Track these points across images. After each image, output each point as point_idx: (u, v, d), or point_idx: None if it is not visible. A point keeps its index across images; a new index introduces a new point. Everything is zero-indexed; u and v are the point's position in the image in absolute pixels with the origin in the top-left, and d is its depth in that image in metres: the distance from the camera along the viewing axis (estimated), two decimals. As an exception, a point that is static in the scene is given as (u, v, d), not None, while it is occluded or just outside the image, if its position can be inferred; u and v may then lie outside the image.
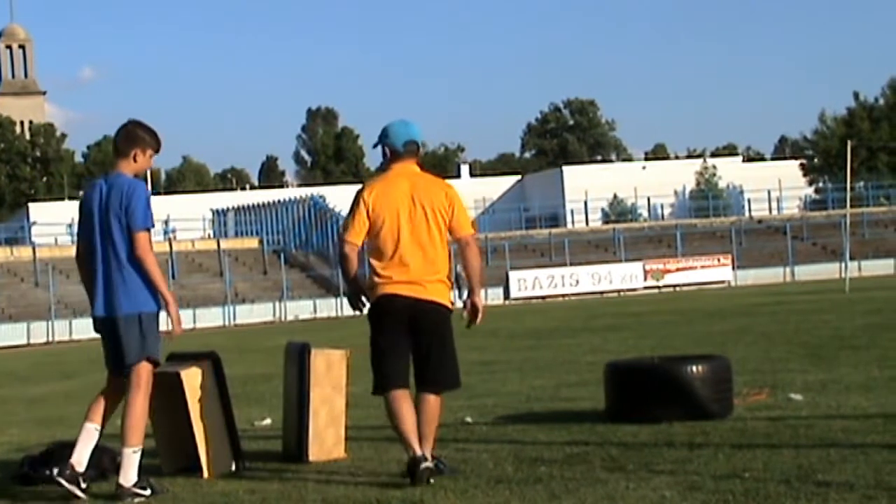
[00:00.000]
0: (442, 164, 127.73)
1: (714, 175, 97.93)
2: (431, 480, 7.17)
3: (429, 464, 7.23)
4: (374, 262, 7.56)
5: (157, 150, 8.00)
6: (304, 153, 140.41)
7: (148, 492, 7.53)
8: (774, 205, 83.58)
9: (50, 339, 51.39)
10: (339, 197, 77.68)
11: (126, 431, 7.59)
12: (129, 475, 7.55)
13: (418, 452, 7.25)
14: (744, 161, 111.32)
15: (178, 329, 7.83)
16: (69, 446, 8.74)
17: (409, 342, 7.50)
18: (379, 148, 7.72)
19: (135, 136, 7.91)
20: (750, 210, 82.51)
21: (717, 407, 9.35)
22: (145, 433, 7.67)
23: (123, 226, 7.69)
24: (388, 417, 7.49)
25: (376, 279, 7.53)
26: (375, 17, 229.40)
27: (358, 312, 7.84)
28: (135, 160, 7.89)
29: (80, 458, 7.68)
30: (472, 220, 7.93)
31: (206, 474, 8.14)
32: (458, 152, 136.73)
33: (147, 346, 7.72)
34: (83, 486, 7.62)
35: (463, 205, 7.74)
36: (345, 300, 46.99)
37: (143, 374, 7.71)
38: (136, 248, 7.73)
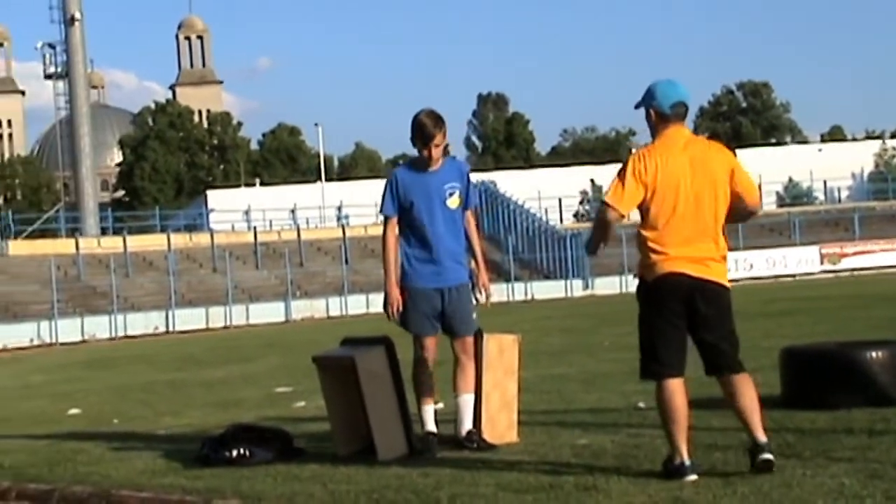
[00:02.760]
0: (613, 148, 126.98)
1: (894, 157, 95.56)
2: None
3: (693, 476, 6.69)
4: (651, 237, 6.89)
5: (419, 141, 8.48)
6: (474, 139, 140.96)
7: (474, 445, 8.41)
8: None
9: (227, 323, 52.48)
10: (509, 182, 77.85)
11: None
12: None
13: (686, 460, 6.76)
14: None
15: (392, 312, 8.53)
16: (247, 429, 8.95)
17: (686, 325, 6.89)
18: (642, 110, 7.08)
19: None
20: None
21: (898, 393, 9.13)
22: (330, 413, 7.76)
23: None
24: (658, 408, 6.99)
25: (654, 256, 6.86)
26: (546, 3, 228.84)
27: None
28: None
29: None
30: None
31: (379, 457, 8.21)
32: (629, 136, 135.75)
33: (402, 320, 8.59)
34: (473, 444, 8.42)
35: (744, 169, 7.06)
36: (517, 285, 45.88)
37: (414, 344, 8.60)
38: None
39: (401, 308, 8.49)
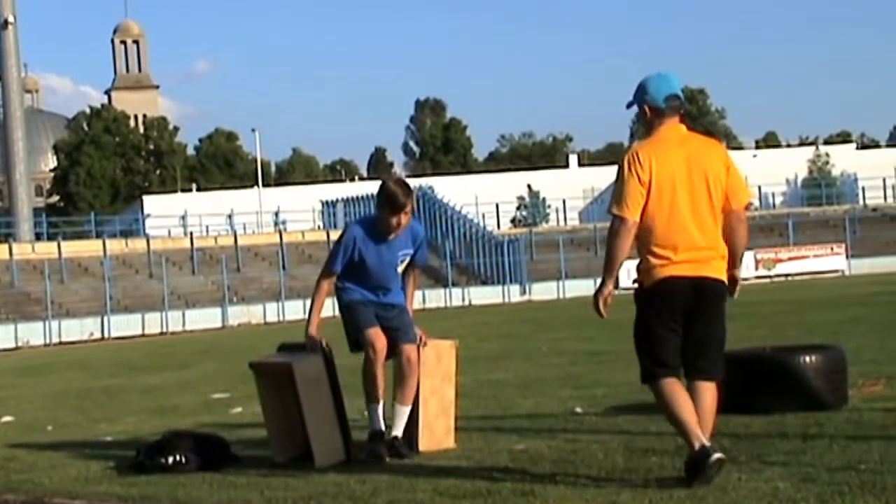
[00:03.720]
0: (550, 154, 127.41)
1: (827, 163, 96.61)
2: (717, 476, 6.50)
3: (720, 455, 6.48)
4: (649, 240, 6.63)
5: (388, 209, 8.45)
6: (412, 144, 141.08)
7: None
8: (889, 192, 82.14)
9: (164, 329, 52.12)
10: (447, 188, 78.01)
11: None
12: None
13: (706, 443, 6.50)
14: (858, 148, 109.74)
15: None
16: (183, 435, 8.89)
17: (682, 328, 6.70)
18: (634, 108, 6.89)
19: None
20: (864, 198, 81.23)
21: (832, 398, 9.21)
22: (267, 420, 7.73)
23: None
24: (664, 405, 6.70)
25: (654, 260, 6.63)
26: (482, 8, 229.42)
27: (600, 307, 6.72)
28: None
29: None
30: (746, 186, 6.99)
31: (316, 464, 8.19)
32: (567, 142, 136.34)
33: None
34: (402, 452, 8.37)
35: (737, 169, 6.85)
36: (454, 291, 45.59)
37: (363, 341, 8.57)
38: None
39: (315, 347, 8.48)
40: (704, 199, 6.66)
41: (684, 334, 6.74)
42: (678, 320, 6.68)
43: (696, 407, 6.73)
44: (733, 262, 6.85)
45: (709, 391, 6.79)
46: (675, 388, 6.65)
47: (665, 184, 6.61)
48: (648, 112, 6.80)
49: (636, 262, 6.81)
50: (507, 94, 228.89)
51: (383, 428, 8.50)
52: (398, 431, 8.50)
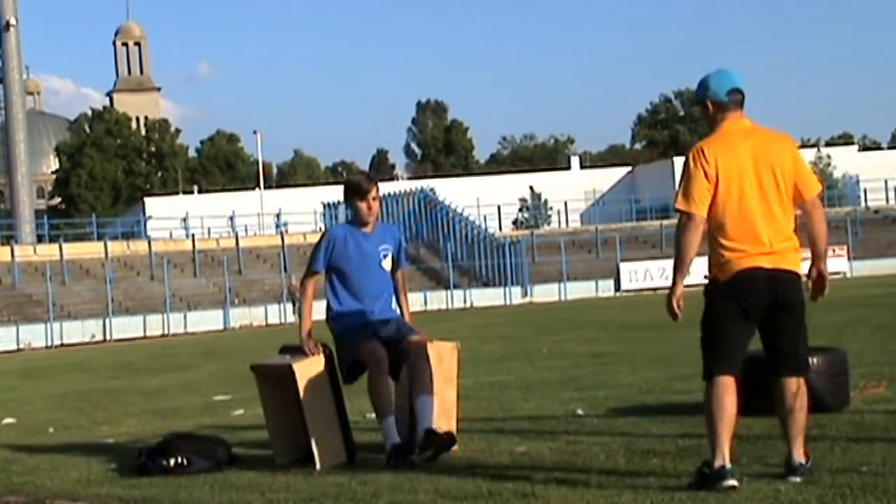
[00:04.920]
0: (552, 156, 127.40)
1: (829, 164, 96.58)
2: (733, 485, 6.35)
3: (734, 483, 6.36)
4: (722, 235, 6.56)
5: (356, 197, 8.68)
6: (413, 146, 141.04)
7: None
8: (892, 194, 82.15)
9: (165, 331, 52.17)
10: (448, 190, 77.99)
11: None
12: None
13: (727, 464, 6.42)
14: (860, 150, 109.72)
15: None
16: (184, 437, 8.90)
17: (756, 323, 6.62)
18: (698, 107, 6.81)
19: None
20: (866, 200, 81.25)
21: (833, 399, 9.21)
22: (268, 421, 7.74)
23: None
24: (704, 406, 6.61)
25: (728, 254, 6.55)
26: (483, 9, 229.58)
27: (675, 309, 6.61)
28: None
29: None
30: (818, 177, 6.91)
31: (318, 465, 8.19)
32: (569, 144, 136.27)
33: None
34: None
35: (804, 160, 6.85)
36: (456, 292, 45.62)
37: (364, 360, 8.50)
38: None
39: (316, 351, 8.50)
40: (773, 191, 6.62)
41: (766, 331, 6.69)
42: (754, 316, 6.59)
43: (789, 416, 6.68)
44: (817, 254, 6.83)
45: (802, 396, 6.70)
46: (725, 391, 6.53)
47: (732, 178, 6.56)
48: (711, 107, 6.78)
49: (704, 258, 6.69)
50: (509, 95, 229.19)
51: (399, 440, 8.19)
52: (430, 423, 8.13)
